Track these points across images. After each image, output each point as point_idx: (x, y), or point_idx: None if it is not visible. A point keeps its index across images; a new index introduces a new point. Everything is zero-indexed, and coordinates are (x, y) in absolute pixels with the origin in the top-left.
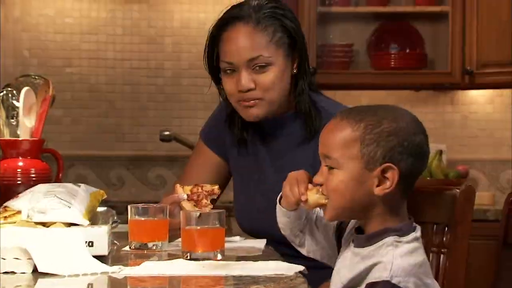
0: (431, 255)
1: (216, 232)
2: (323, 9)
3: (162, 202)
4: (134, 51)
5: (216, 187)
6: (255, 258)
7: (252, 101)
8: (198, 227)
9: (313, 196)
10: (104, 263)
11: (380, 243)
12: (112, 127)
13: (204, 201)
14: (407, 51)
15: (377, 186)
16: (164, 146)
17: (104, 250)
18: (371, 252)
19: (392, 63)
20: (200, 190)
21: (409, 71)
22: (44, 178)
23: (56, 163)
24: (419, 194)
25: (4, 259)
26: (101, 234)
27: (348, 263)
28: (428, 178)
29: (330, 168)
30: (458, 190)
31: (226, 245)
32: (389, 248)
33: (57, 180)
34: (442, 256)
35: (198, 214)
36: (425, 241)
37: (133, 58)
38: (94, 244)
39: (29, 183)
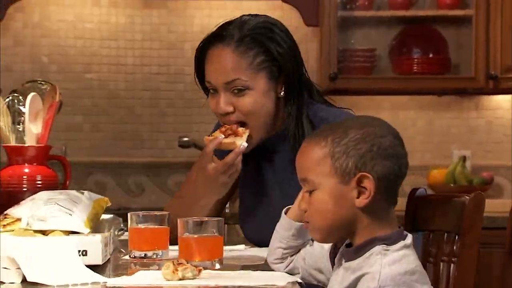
0: (441, 264)
1: (214, 241)
2: (344, 13)
3: (206, 151)
4: (153, 57)
5: None
6: (256, 268)
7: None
8: (196, 236)
9: None
10: (103, 272)
11: (368, 253)
12: (131, 134)
13: (240, 129)
14: (430, 55)
15: (357, 198)
16: (183, 152)
17: (98, 259)
18: (360, 263)
19: (415, 68)
20: (227, 126)
21: (432, 76)
22: (51, 185)
23: (64, 170)
24: (428, 202)
25: None
26: (95, 243)
27: (340, 279)
28: (452, 185)
29: (310, 192)
30: (467, 198)
31: (231, 253)
32: (377, 257)
33: (65, 187)
34: (452, 265)
35: (197, 222)
36: (435, 250)
37: (153, 63)
38: (88, 253)
39: (35, 190)
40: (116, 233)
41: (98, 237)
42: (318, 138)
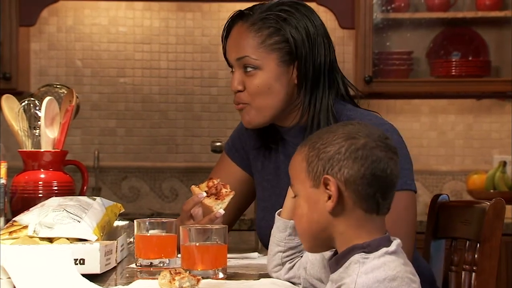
0: (463, 273)
1: (217, 249)
2: (380, 15)
3: (183, 208)
4: (187, 60)
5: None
6: (264, 276)
7: (240, 105)
8: (198, 244)
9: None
10: (104, 281)
11: (347, 263)
12: (165, 138)
13: (224, 190)
14: (470, 58)
15: (327, 202)
16: (218, 157)
17: (96, 268)
18: (341, 274)
19: (453, 71)
20: (215, 182)
21: (471, 79)
22: (67, 191)
23: (81, 175)
24: (450, 209)
25: None
26: (93, 251)
27: None
28: (492, 191)
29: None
30: (488, 203)
31: (243, 261)
32: (355, 266)
33: (82, 193)
34: (474, 274)
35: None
36: (457, 258)
37: (187, 67)
38: (85, 261)
39: (51, 196)
40: (132, 240)
41: (96, 245)
42: (301, 144)
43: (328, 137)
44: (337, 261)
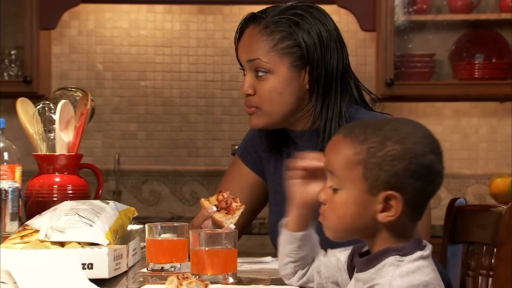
0: (480, 278)
1: (227, 254)
2: (402, 17)
3: (194, 223)
4: (208, 63)
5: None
6: (276, 280)
7: (251, 109)
8: (207, 248)
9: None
10: (114, 286)
11: (380, 264)
12: (186, 142)
13: (234, 204)
14: (493, 60)
15: (381, 212)
16: None
17: (104, 273)
18: (372, 275)
19: (476, 73)
20: (225, 195)
21: (495, 82)
22: (82, 194)
23: (96, 179)
24: (467, 213)
25: None
26: (101, 256)
27: None
28: None
29: (335, 189)
30: (504, 207)
31: (256, 266)
32: (389, 269)
33: (97, 197)
34: (490, 279)
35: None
36: (475, 263)
37: (207, 70)
38: (93, 266)
39: (66, 200)
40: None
41: (104, 249)
42: (353, 139)
43: (394, 147)
44: (368, 261)
